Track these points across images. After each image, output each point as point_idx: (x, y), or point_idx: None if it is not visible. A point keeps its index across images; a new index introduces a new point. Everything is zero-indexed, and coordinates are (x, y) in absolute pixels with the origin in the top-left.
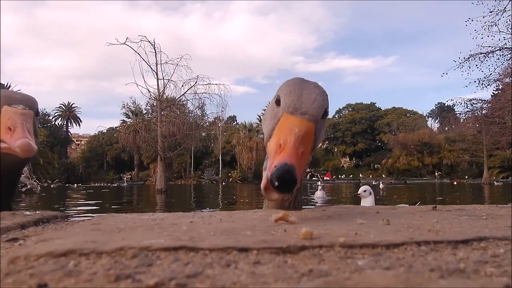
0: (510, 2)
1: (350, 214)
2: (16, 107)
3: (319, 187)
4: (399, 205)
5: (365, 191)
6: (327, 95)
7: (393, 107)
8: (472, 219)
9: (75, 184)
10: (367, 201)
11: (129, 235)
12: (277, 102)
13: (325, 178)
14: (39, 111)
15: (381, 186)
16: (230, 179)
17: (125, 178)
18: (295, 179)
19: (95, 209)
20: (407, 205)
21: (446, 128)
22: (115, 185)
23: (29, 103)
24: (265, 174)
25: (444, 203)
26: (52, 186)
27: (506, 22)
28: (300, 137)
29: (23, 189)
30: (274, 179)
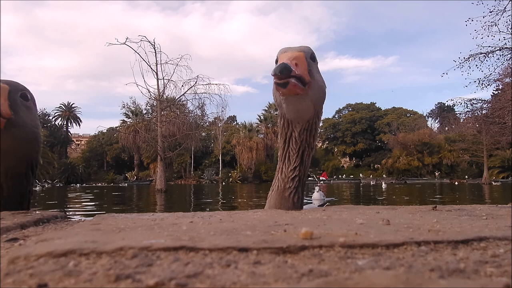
0: (510, 2)
1: (350, 214)
2: None
3: (316, 188)
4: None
5: None
6: (309, 48)
7: (393, 107)
8: (472, 219)
9: (78, 184)
10: None
11: (129, 235)
12: (276, 62)
13: (321, 178)
14: (29, 96)
15: (383, 186)
16: (230, 179)
17: (122, 178)
18: (288, 66)
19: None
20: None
21: (446, 128)
22: (120, 185)
23: (7, 81)
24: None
25: (444, 203)
26: (45, 186)
27: (506, 22)
28: (291, 57)
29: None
30: (276, 69)
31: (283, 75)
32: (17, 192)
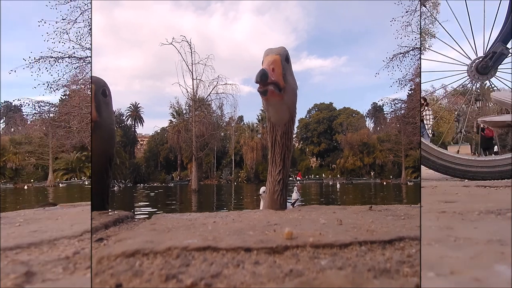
0: (419, 2)
1: (316, 214)
2: None
3: (295, 189)
4: None
5: (264, 192)
6: (285, 49)
7: (344, 107)
8: (395, 219)
9: (141, 184)
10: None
11: (174, 235)
12: (262, 63)
13: (297, 178)
14: (107, 93)
15: (338, 186)
16: (239, 179)
17: (170, 178)
18: (266, 72)
19: None
20: None
21: (378, 128)
22: (169, 185)
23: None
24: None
25: (376, 203)
26: (121, 187)
27: (417, 22)
28: (270, 61)
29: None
30: (257, 76)
31: (262, 81)
32: (99, 187)
